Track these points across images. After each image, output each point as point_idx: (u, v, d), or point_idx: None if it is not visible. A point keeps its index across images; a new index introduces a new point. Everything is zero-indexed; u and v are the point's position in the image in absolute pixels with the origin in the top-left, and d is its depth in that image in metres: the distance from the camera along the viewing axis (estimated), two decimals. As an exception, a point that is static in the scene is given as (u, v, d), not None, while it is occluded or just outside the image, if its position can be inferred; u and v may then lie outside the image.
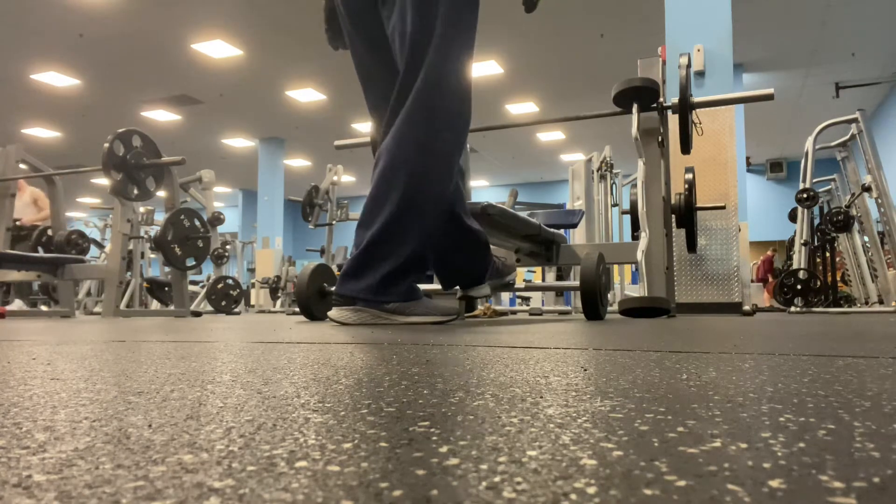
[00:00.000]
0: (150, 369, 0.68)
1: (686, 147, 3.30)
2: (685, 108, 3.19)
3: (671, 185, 3.48)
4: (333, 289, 2.86)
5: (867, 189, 5.42)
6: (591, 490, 0.23)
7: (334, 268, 7.96)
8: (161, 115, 12.67)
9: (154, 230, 7.25)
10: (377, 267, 1.97)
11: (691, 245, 3.88)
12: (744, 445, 0.30)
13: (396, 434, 0.33)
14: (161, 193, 5.10)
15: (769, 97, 3.31)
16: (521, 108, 12.10)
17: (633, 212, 3.59)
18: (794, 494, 0.22)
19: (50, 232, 5.92)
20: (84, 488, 0.24)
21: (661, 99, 3.32)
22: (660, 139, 3.35)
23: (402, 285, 2.00)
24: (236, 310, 7.64)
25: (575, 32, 8.95)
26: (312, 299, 2.83)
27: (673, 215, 3.50)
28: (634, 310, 2.90)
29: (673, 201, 3.50)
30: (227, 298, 7.52)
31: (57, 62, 9.98)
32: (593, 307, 2.54)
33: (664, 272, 3.20)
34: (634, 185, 3.50)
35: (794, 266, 5.35)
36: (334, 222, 7.82)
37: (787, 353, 0.82)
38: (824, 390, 0.49)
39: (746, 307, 4.68)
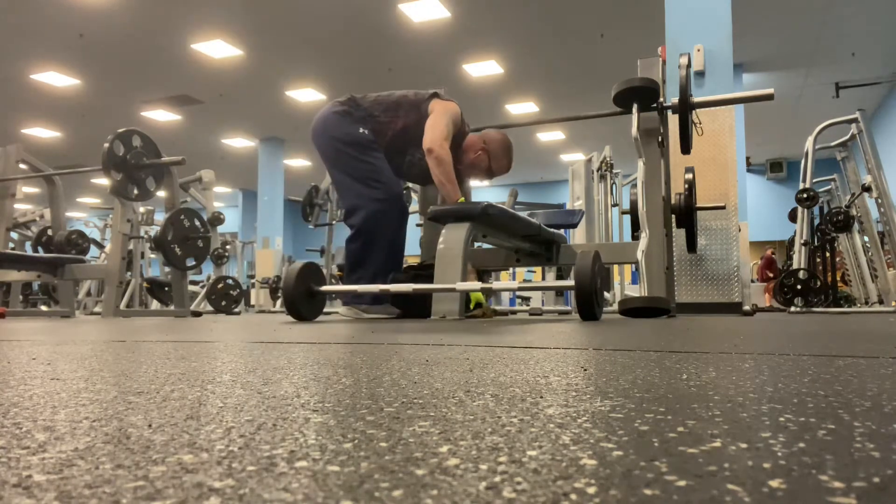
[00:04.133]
0: (150, 369, 0.68)
1: (686, 147, 3.29)
2: (685, 108, 3.18)
3: (671, 185, 3.48)
4: (322, 288, 2.84)
5: (867, 189, 5.42)
6: (591, 490, 0.23)
7: (334, 267, 7.93)
8: (161, 115, 12.67)
9: (154, 230, 7.24)
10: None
11: (691, 245, 3.87)
12: (744, 445, 0.30)
13: (396, 434, 0.33)
14: (161, 193, 5.10)
15: (769, 97, 3.31)
16: (521, 108, 12.10)
17: (633, 212, 3.59)
18: (794, 494, 0.22)
19: (50, 232, 5.92)
20: (84, 488, 0.24)
21: (661, 99, 3.31)
22: (660, 139, 3.35)
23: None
24: (236, 310, 7.64)
25: (575, 32, 8.94)
26: (300, 299, 2.75)
27: (673, 215, 3.50)
28: (634, 310, 2.90)
29: (673, 201, 3.50)
30: (226, 298, 7.51)
31: (57, 62, 9.98)
32: (588, 307, 2.52)
33: (664, 272, 3.20)
34: (634, 185, 3.50)
35: (794, 266, 5.35)
36: (334, 222, 7.81)
37: (787, 353, 0.82)
38: (824, 390, 0.49)
39: (746, 307, 4.67)
